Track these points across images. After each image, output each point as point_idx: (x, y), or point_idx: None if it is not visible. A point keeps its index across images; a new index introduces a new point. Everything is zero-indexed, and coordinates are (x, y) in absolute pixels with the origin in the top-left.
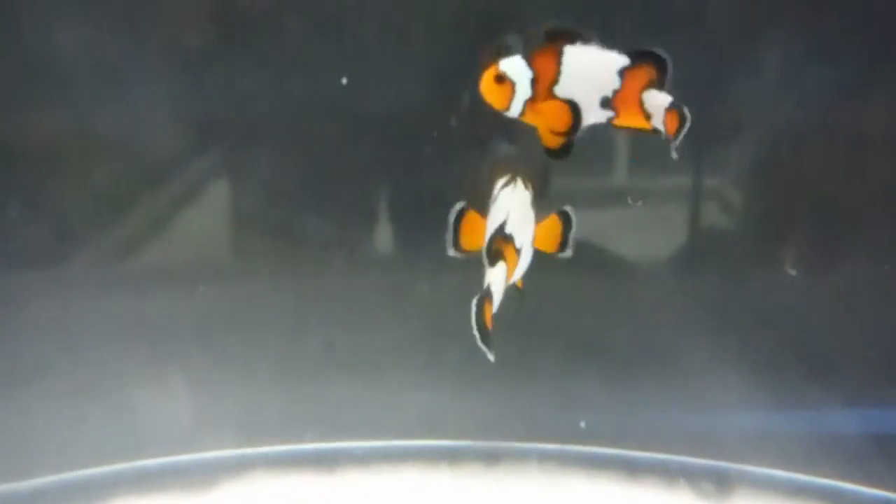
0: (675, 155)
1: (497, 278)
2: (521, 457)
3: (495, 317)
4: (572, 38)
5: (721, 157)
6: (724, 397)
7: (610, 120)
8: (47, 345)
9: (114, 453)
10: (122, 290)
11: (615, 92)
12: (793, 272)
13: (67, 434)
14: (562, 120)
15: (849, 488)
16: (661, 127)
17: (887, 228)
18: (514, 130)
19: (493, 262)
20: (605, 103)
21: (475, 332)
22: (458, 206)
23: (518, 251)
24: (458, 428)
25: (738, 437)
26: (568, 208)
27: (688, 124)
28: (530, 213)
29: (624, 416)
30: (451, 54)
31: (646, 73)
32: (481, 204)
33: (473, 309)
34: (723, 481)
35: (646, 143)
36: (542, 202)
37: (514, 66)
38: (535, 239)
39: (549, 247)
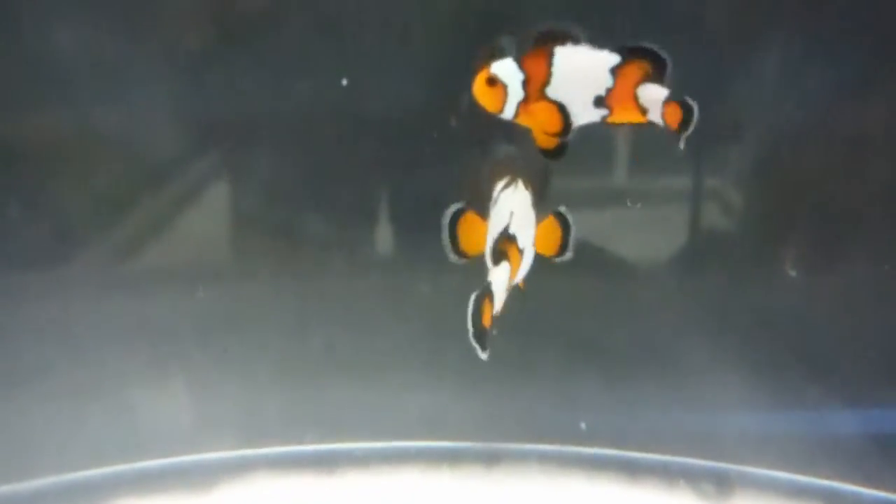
0: (682, 145)
1: (500, 278)
2: (521, 458)
3: (496, 317)
4: (562, 39)
5: (721, 157)
6: (725, 398)
7: (604, 118)
8: (47, 345)
9: (114, 454)
10: (123, 291)
11: (608, 90)
12: (793, 273)
13: (68, 435)
14: (551, 121)
15: (849, 489)
16: (658, 121)
17: (887, 229)
18: (514, 132)
19: (497, 262)
20: (599, 102)
21: (469, 327)
22: (454, 207)
23: (521, 252)
24: (458, 429)
25: (739, 437)
26: (563, 210)
27: (696, 115)
28: (531, 215)
29: (624, 416)
30: (451, 55)
31: (638, 68)
32: (481, 205)
33: (471, 304)
34: (723, 482)
35: (646, 143)
36: (542, 203)
37: (506, 69)
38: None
39: (548, 249)
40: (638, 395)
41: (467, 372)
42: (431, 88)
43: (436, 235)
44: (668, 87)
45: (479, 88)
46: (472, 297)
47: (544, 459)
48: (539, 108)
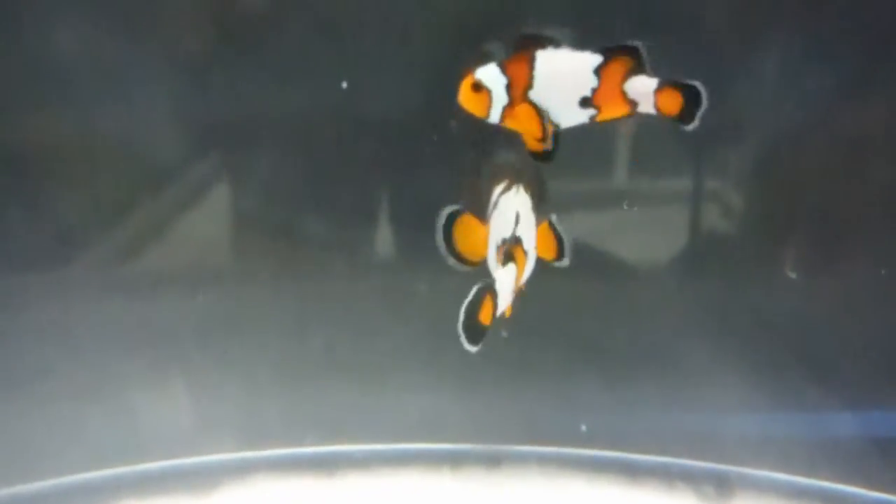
0: (696, 123)
1: (507, 280)
2: (521, 460)
3: (501, 318)
4: (543, 42)
5: (721, 158)
6: (725, 400)
7: (592, 118)
8: (48, 347)
9: (115, 456)
10: (124, 293)
11: (594, 90)
12: (793, 274)
13: (68, 437)
14: (530, 125)
15: (849, 491)
16: (651, 111)
17: (888, 230)
18: (514, 135)
19: (504, 264)
20: (586, 103)
21: (461, 315)
22: (448, 210)
23: (525, 254)
24: (458, 431)
25: (739, 439)
26: (554, 219)
27: (702, 92)
28: (533, 218)
29: (624, 418)
30: (451, 57)
31: (621, 65)
32: (479, 208)
33: (470, 295)
34: (723, 484)
35: (646, 145)
36: (541, 207)
37: (489, 74)
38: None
39: (546, 253)
40: (638, 396)
41: (468, 373)
42: (431, 90)
43: (436, 237)
44: (650, 74)
45: (464, 94)
46: (474, 288)
47: (545, 461)
48: (519, 112)
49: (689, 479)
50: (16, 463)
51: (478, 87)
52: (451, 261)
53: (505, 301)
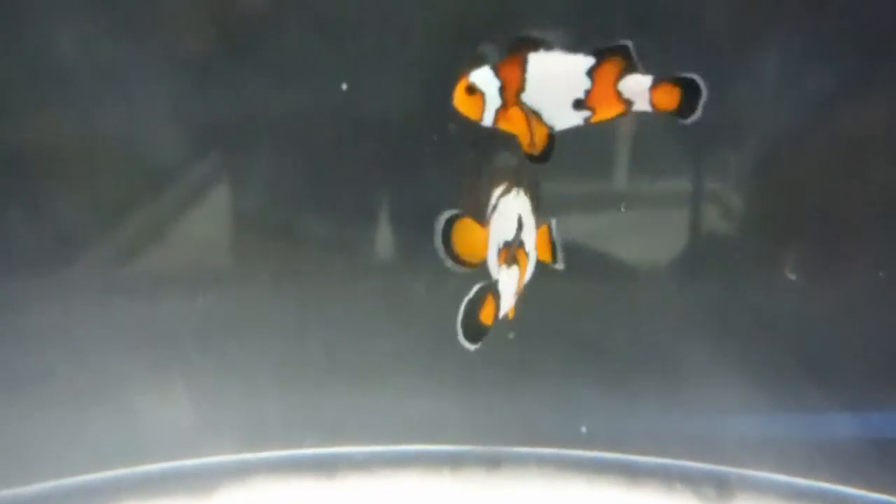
0: (696, 115)
1: (510, 282)
2: (521, 461)
3: (504, 319)
4: (535, 45)
5: (720, 159)
6: (725, 401)
7: (587, 120)
8: (49, 350)
9: (115, 458)
10: (124, 295)
11: (587, 92)
12: (792, 276)
13: (69, 439)
14: (518, 127)
15: (849, 492)
16: (647, 108)
17: (888, 232)
18: (511, 137)
19: (509, 266)
20: (579, 105)
21: (461, 310)
22: (447, 213)
23: (526, 256)
24: (458, 432)
25: (739, 441)
26: (553, 223)
27: (701, 85)
28: (532, 220)
29: (624, 420)
30: (451, 58)
31: (614, 66)
32: (478, 210)
33: (471, 293)
34: (723, 486)
35: (646, 146)
36: (539, 209)
37: (483, 77)
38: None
39: (543, 256)
40: (638, 398)
41: (468, 375)
42: (431, 91)
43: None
44: (644, 73)
45: (458, 97)
46: (476, 287)
47: (544, 463)
48: (510, 114)
49: (689, 480)
50: (16, 464)
51: (471, 89)
52: (450, 262)
53: (507, 303)
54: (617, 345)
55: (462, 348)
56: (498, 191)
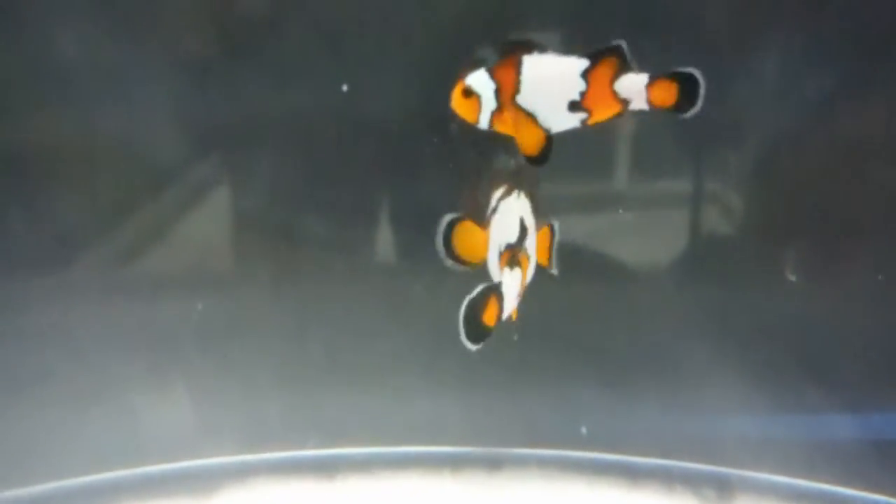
0: (696, 109)
1: (513, 284)
2: (522, 463)
3: (508, 321)
4: (529, 48)
5: (720, 160)
6: (725, 402)
7: (584, 122)
8: (49, 350)
9: (115, 459)
10: (124, 295)
11: (582, 94)
12: (792, 277)
13: (69, 440)
14: (510, 129)
15: (849, 494)
16: (645, 106)
17: (888, 233)
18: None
19: (511, 268)
20: (575, 107)
21: (463, 309)
22: (448, 217)
23: (528, 259)
24: (459, 434)
25: (739, 442)
26: (556, 226)
27: (699, 78)
28: (532, 222)
29: (625, 421)
30: (452, 60)
31: (609, 67)
32: (480, 213)
33: (474, 293)
34: (723, 487)
35: (646, 147)
36: (539, 211)
37: (479, 80)
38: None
39: (541, 259)
40: (638, 399)
41: (468, 376)
42: (431, 92)
43: (437, 240)
44: (639, 72)
45: (456, 101)
46: (479, 288)
47: (545, 464)
48: (505, 117)
49: (690, 481)
50: (17, 465)
51: (468, 92)
52: (450, 262)
53: (510, 305)
54: (617, 345)
55: (462, 348)
56: (498, 193)
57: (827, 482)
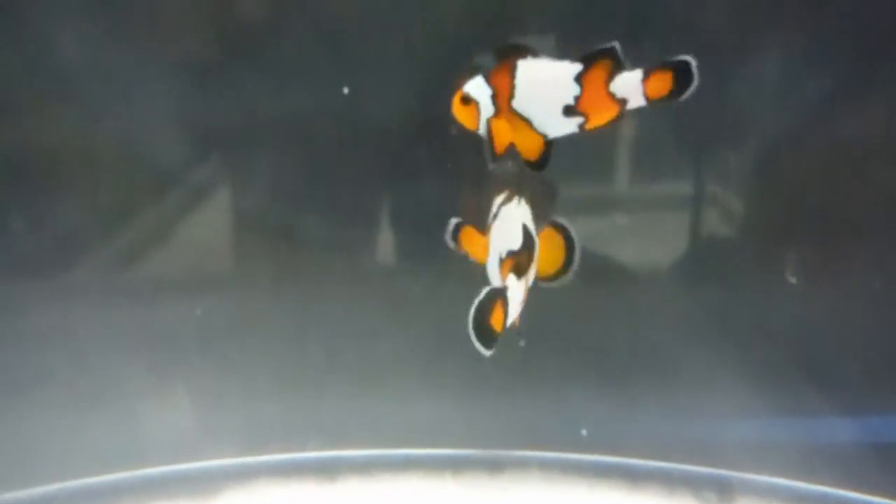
0: (690, 92)
1: (517, 290)
2: (523, 465)
3: (512, 326)
4: (524, 52)
5: (720, 162)
6: (725, 405)
7: (581, 126)
8: (50, 352)
9: (116, 461)
10: (125, 298)
11: (577, 98)
12: (793, 280)
13: (70, 442)
14: (505, 135)
15: (849, 496)
16: (642, 103)
17: (888, 235)
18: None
19: (518, 275)
20: (570, 111)
21: (472, 315)
22: (453, 222)
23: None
24: (460, 436)
25: (739, 444)
26: (566, 222)
27: (692, 64)
28: (533, 228)
29: (625, 423)
30: (453, 63)
31: (603, 69)
32: (480, 219)
33: (480, 298)
34: (724, 489)
35: (646, 149)
36: (544, 217)
37: (476, 86)
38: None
39: (556, 262)
40: (639, 401)
41: (469, 378)
42: (432, 94)
43: (437, 243)
44: (629, 69)
45: (455, 108)
46: (485, 291)
47: (546, 466)
48: (498, 122)
49: (690, 484)
50: (17, 468)
51: (466, 99)
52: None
53: (515, 311)
54: (617, 348)
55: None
56: (499, 199)
57: (827, 484)
